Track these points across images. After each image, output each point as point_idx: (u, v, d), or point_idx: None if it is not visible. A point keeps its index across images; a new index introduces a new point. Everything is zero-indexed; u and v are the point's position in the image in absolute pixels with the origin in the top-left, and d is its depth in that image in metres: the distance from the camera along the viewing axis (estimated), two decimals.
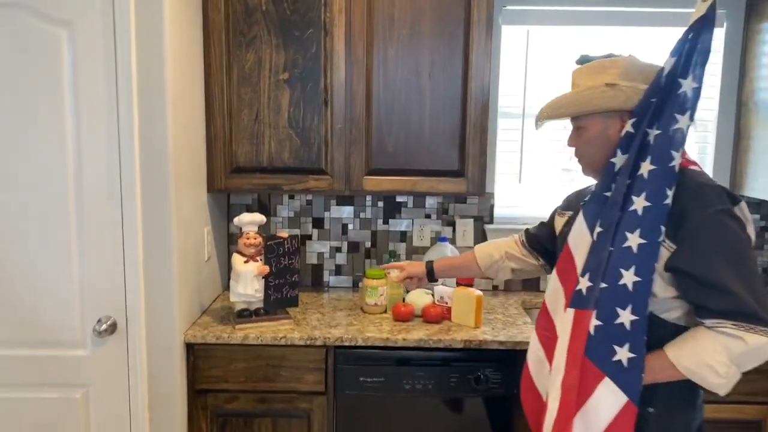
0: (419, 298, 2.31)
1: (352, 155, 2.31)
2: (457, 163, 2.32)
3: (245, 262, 2.16)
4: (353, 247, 2.70)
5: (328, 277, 2.72)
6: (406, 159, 2.31)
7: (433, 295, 2.32)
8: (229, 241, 2.66)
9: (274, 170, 2.32)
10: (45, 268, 1.98)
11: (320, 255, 2.70)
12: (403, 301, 2.33)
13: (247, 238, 2.16)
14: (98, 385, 2.05)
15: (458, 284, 2.33)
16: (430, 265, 2.16)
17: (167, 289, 2.02)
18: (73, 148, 1.93)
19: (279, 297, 2.18)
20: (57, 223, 1.96)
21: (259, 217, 2.19)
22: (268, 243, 2.15)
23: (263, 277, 2.16)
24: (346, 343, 2.10)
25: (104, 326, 1.98)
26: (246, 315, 2.16)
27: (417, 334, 2.12)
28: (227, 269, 2.47)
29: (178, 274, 2.03)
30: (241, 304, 2.18)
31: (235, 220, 2.19)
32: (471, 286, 2.28)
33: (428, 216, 2.68)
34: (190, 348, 2.12)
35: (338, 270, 2.71)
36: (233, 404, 2.12)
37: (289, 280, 2.19)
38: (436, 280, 2.23)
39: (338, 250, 2.70)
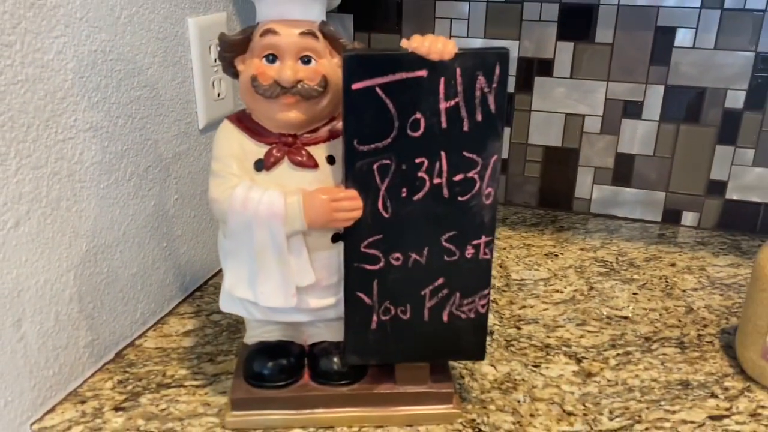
0: None
1: None
2: None
3: (260, 164, 0.49)
4: (683, 105, 0.87)
5: (591, 191, 0.96)
6: None
7: None
8: None
9: None
10: None
11: (573, 122, 0.93)
12: None
13: (267, 58, 0.46)
14: None
15: None
16: None
17: None
18: None
19: (406, 320, 0.51)
20: None
21: None
22: (356, 86, 0.44)
23: (339, 237, 0.49)
24: None
25: None
26: (272, 373, 0.54)
27: None
28: None
29: None
30: (260, 327, 0.55)
31: None
32: None
33: None
34: None
35: (624, 171, 0.93)
36: None
37: (455, 257, 0.49)
38: None
39: (632, 110, 0.90)
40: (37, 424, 0.54)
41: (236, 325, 0.67)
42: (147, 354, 0.63)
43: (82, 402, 0.56)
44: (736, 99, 0.85)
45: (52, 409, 0.55)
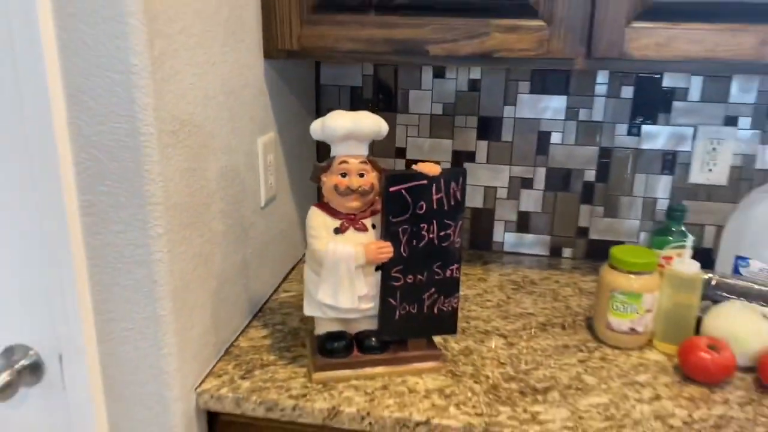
0: (743, 328, 0.96)
1: None
2: None
3: (337, 231, 0.89)
4: (558, 180, 1.35)
5: (503, 236, 1.42)
6: None
7: None
8: (321, 165, 1.40)
9: (408, 6, 0.99)
10: None
11: (489, 192, 1.39)
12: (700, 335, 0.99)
13: (341, 175, 0.88)
14: None
15: None
16: None
17: (142, 286, 0.81)
18: None
19: (414, 313, 0.93)
20: None
21: (366, 121, 0.89)
22: (391, 189, 0.87)
23: (378, 268, 0.90)
24: None
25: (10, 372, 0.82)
26: (338, 349, 0.93)
27: None
28: None
29: (167, 247, 0.81)
30: (327, 323, 0.95)
31: (313, 126, 0.90)
32: None
33: (731, 121, 1.26)
34: (213, 422, 0.94)
35: (524, 223, 1.40)
36: None
37: (440, 276, 0.92)
38: None
39: (526, 183, 1.37)
40: (200, 387, 0.90)
41: (294, 331, 1.06)
42: (245, 350, 1.00)
43: (219, 376, 0.93)
44: (590, 175, 1.34)
45: (202, 381, 0.92)
